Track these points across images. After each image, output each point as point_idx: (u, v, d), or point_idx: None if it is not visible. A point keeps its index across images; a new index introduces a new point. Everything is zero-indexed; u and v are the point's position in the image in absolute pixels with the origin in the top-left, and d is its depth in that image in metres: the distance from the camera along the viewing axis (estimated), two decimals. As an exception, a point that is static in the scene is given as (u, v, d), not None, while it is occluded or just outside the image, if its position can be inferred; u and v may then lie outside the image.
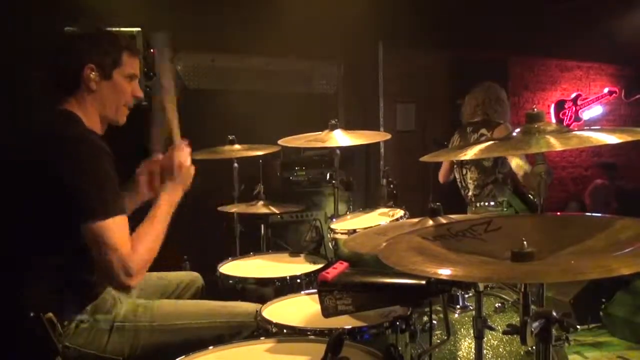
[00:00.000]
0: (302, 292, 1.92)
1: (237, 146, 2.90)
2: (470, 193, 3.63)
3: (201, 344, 1.50)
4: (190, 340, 1.72)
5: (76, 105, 1.74)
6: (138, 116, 1.97)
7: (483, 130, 3.59)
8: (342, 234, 2.23)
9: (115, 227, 1.58)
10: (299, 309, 1.77)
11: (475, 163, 3.58)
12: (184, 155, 1.92)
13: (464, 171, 3.71)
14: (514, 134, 1.49)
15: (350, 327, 1.51)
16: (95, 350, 1.66)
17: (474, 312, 1.37)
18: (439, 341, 1.70)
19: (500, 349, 1.76)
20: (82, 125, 1.71)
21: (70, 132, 1.66)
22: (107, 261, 1.56)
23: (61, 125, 1.68)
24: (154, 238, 1.69)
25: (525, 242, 1.10)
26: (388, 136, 3.03)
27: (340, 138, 2.46)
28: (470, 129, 3.67)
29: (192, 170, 1.93)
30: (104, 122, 1.82)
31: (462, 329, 1.81)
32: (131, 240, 1.62)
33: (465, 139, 3.67)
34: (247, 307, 1.87)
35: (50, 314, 1.57)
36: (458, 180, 3.79)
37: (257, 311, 1.74)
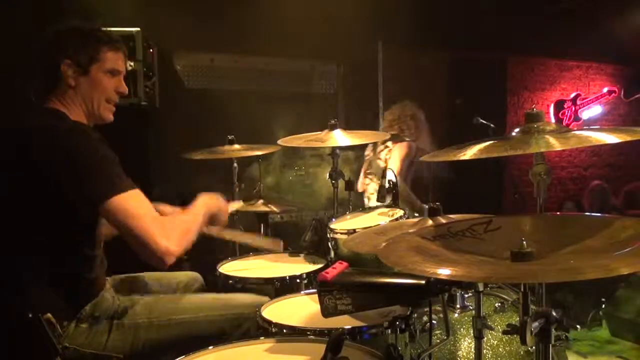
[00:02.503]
0: (302, 292, 1.92)
1: (236, 146, 2.90)
2: (369, 203, 3.81)
3: (202, 338, 1.50)
4: (190, 334, 1.73)
5: (59, 103, 1.74)
6: (138, 116, 1.97)
7: (389, 143, 3.83)
8: (341, 234, 2.23)
9: (134, 198, 1.58)
10: (298, 309, 1.77)
11: (378, 175, 3.68)
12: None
13: (367, 181, 3.90)
14: (513, 132, 1.49)
15: (350, 327, 1.51)
16: (95, 349, 1.66)
17: (473, 312, 1.37)
18: (438, 341, 1.70)
19: (500, 349, 1.76)
20: (69, 119, 1.71)
21: (60, 126, 1.65)
22: (139, 230, 1.55)
23: (49, 121, 1.68)
24: (189, 224, 1.71)
25: (524, 242, 1.10)
26: (387, 136, 3.04)
27: (339, 138, 2.46)
28: (384, 140, 3.84)
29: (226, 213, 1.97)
30: (90, 119, 1.81)
31: (462, 329, 1.81)
32: (164, 218, 1.63)
33: (376, 149, 3.94)
34: (245, 298, 1.89)
35: (49, 315, 1.57)
36: (361, 190, 3.95)
37: (257, 308, 1.74)
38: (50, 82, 1.75)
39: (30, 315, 1.55)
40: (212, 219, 1.87)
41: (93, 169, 1.58)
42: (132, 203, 1.57)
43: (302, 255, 2.45)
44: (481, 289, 1.36)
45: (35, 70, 1.81)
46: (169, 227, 1.61)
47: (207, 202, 1.85)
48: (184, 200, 1.87)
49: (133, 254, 1.63)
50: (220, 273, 2.25)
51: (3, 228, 1.66)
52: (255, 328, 1.69)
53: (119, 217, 1.55)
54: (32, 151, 1.62)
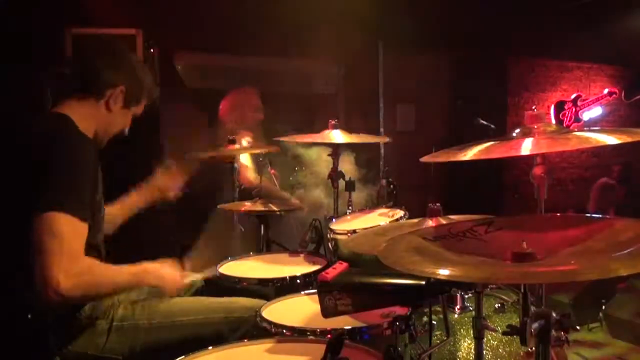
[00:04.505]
0: (302, 293, 1.92)
1: (237, 146, 2.90)
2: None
3: (200, 340, 1.50)
4: (189, 337, 1.73)
5: (76, 109, 1.73)
6: (138, 116, 1.98)
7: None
8: (341, 234, 2.23)
9: (73, 226, 1.50)
10: (298, 309, 1.77)
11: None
12: None
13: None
14: (514, 133, 1.49)
15: (349, 327, 1.51)
16: (94, 351, 1.66)
17: (473, 313, 1.37)
18: (438, 341, 1.70)
19: (500, 350, 1.76)
20: (77, 128, 1.70)
21: (67, 130, 1.66)
22: (48, 252, 1.45)
23: (58, 125, 1.68)
24: (105, 279, 1.62)
25: (525, 243, 1.10)
26: (387, 139, 3.04)
27: (339, 138, 2.46)
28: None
29: (180, 284, 1.88)
30: (94, 136, 1.83)
31: (462, 330, 1.81)
32: (85, 259, 1.54)
33: None
34: (245, 302, 1.89)
35: (48, 316, 1.57)
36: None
37: (257, 312, 1.74)
38: (91, 93, 1.76)
39: (29, 317, 1.55)
40: (138, 284, 1.80)
41: (68, 178, 1.55)
42: (66, 229, 1.49)
43: (302, 255, 2.45)
44: (481, 289, 1.36)
45: (70, 69, 1.81)
46: (79, 271, 1.50)
47: (147, 269, 1.76)
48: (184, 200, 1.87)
49: (134, 255, 1.63)
50: (220, 273, 2.25)
51: (2, 228, 1.66)
52: (252, 332, 1.69)
53: (45, 231, 1.47)
54: (33, 153, 1.62)
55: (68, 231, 1.49)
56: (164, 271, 1.82)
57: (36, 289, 1.46)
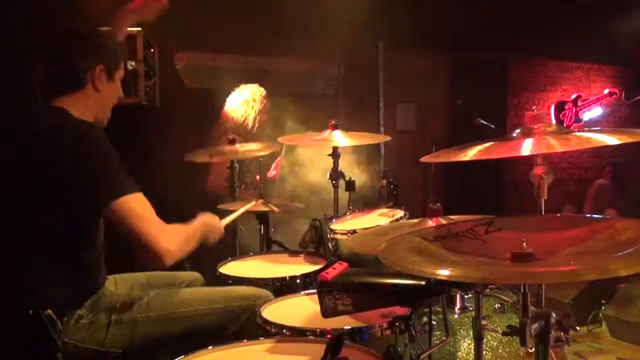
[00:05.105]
0: (302, 293, 1.92)
1: (237, 146, 2.90)
2: None
3: (201, 331, 1.51)
4: (189, 329, 1.74)
5: (69, 103, 1.73)
6: (138, 116, 1.98)
7: None
8: (342, 234, 2.23)
9: (139, 199, 1.62)
10: (298, 309, 1.77)
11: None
12: None
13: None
14: (514, 133, 1.49)
15: (349, 327, 1.51)
16: (94, 345, 1.66)
17: (473, 313, 1.37)
18: (438, 342, 1.70)
19: (500, 350, 1.76)
20: (77, 118, 1.71)
21: (70, 123, 1.66)
22: (142, 230, 1.58)
23: (58, 120, 1.68)
24: (190, 232, 1.77)
25: (524, 243, 1.10)
26: (387, 138, 3.05)
27: (340, 138, 2.46)
28: None
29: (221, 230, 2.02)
30: (94, 121, 1.82)
31: (462, 330, 1.81)
32: (165, 224, 1.65)
33: None
34: (244, 291, 1.89)
35: (50, 311, 1.57)
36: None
37: (255, 301, 1.74)
38: (73, 83, 1.76)
39: (30, 312, 1.55)
40: (206, 237, 1.91)
41: (104, 168, 1.61)
42: (137, 205, 1.61)
43: (302, 255, 2.45)
44: (481, 290, 1.36)
45: (56, 67, 1.80)
46: (171, 231, 1.66)
47: (205, 221, 1.91)
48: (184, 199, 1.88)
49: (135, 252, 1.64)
50: (220, 273, 2.25)
51: (4, 225, 1.66)
52: (254, 320, 1.69)
53: (125, 218, 1.58)
54: (36, 150, 1.62)
55: (141, 206, 1.61)
56: (214, 220, 1.97)
57: (154, 265, 1.61)
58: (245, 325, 1.75)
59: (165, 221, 1.68)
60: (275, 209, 2.67)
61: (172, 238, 1.64)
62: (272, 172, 3.62)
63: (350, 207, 2.69)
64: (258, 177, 3.01)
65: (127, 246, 1.61)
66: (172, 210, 2.25)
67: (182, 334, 1.73)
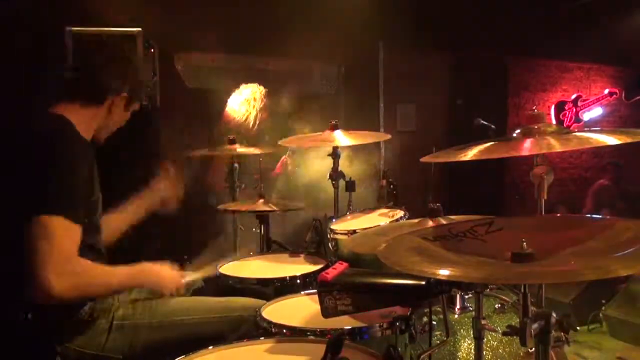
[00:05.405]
0: (302, 293, 1.92)
1: (237, 146, 2.90)
2: None
3: (200, 340, 1.50)
4: (189, 337, 1.73)
5: (74, 112, 1.74)
6: (138, 116, 1.98)
7: None
8: (342, 234, 2.23)
9: (67, 229, 1.52)
10: (298, 309, 1.77)
11: None
12: None
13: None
14: (514, 133, 1.49)
15: (349, 327, 1.51)
16: (95, 350, 1.66)
17: (473, 313, 1.37)
18: (438, 342, 1.70)
19: (500, 350, 1.76)
20: (73, 130, 1.70)
21: (62, 132, 1.66)
22: (41, 254, 1.47)
23: (53, 126, 1.68)
24: (100, 279, 1.64)
25: (524, 243, 1.10)
26: (388, 136, 3.04)
27: (340, 138, 2.46)
28: None
29: (179, 283, 1.90)
30: (93, 136, 1.84)
31: (462, 330, 1.81)
32: (79, 260, 1.56)
33: None
34: (245, 302, 1.89)
35: (49, 315, 1.57)
36: None
37: (256, 311, 1.74)
38: (89, 97, 1.77)
39: (30, 316, 1.55)
40: (140, 285, 1.84)
41: (61, 180, 1.56)
42: (59, 231, 1.51)
43: (302, 255, 2.45)
44: (481, 290, 1.36)
45: (75, 75, 1.83)
46: (75, 268, 1.54)
47: (142, 269, 1.80)
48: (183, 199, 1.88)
49: (135, 255, 1.63)
50: (220, 273, 2.25)
51: (3, 228, 1.66)
52: (254, 331, 1.69)
53: (38, 233, 1.49)
54: (29, 154, 1.62)
55: (60, 233, 1.51)
56: (161, 271, 1.84)
57: (29, 290, 1.48)
58: (245, 335, 1.75)
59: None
60: (276, 208, 2.67)
61: (69, 275, 1.51)
62: (276, 170, 3.62)
63: (351, 207, 2.69)
64: (258, 177, 3.01)
65: (128, 251, 1.60)
66: (172, 211, 2.26)
67: (182, 341, 1.70)
